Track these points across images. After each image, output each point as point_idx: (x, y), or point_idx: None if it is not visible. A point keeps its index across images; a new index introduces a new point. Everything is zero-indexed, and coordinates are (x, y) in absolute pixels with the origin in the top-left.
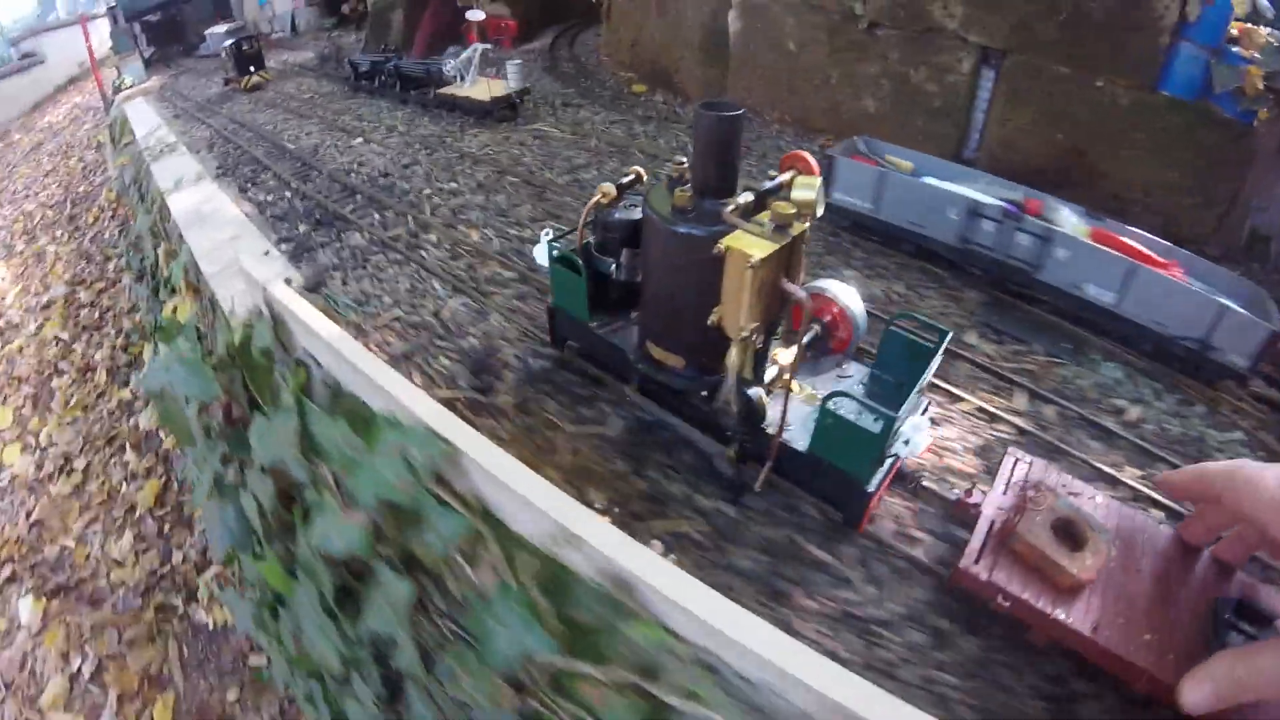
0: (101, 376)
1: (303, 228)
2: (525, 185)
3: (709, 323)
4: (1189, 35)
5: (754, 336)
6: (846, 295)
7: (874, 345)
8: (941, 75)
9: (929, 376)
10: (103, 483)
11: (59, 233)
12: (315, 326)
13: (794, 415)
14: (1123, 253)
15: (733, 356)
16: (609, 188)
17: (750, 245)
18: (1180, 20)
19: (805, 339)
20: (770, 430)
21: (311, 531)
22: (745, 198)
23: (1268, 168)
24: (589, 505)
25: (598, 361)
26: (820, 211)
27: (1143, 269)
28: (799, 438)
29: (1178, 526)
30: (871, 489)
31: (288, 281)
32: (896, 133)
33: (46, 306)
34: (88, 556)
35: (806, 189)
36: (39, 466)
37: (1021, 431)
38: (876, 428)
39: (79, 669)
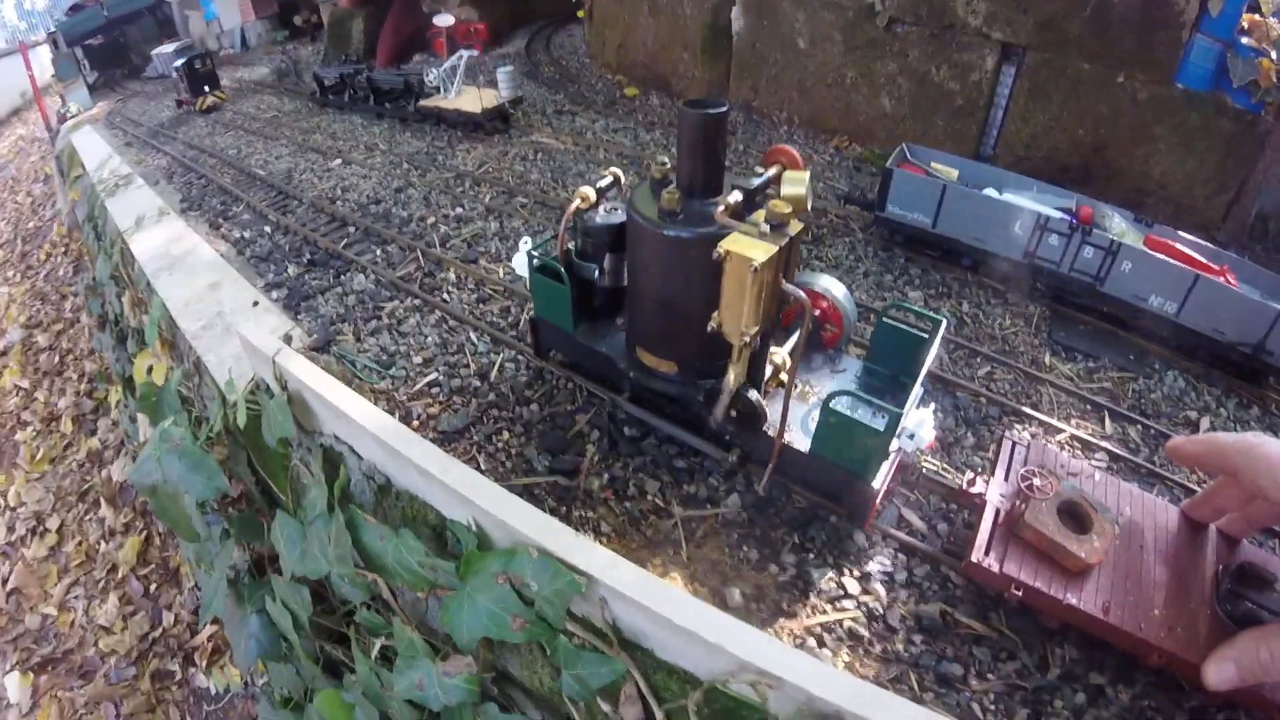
0: (67, 426)
1: (293, 269)
2: (539, 207)
3: (709, 328)
4: (1205, 29)
5: (755, 340)
6: (834, 288)
7: (865, 337)
8: (964, 73)
9: (928, 365)
10: (80, 542)
11: (11, 273)
12: (348, 409)
13: (793, 415)
14: (1179, 260)
15: (734, 363)
16: (588, 192)
17: (749, 248)
18: (1200, 14)
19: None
20: (770, 432)
21: (398, 680)
22: (734, 197)
23: (1276, 155)
24: (727, 607)
25: (584, 371)
26: (810, 205)
27: (1204, 279)
28: (800, 438)
29: (1183, 505)
30: (877, 485)
31: (288, 340)
32: (915, 132)
33: (3, 353)
34: (73, 624)
35: (796, 184)
36: (10, 529)
37: (1114, 457)
38: (881, 425)
39: None
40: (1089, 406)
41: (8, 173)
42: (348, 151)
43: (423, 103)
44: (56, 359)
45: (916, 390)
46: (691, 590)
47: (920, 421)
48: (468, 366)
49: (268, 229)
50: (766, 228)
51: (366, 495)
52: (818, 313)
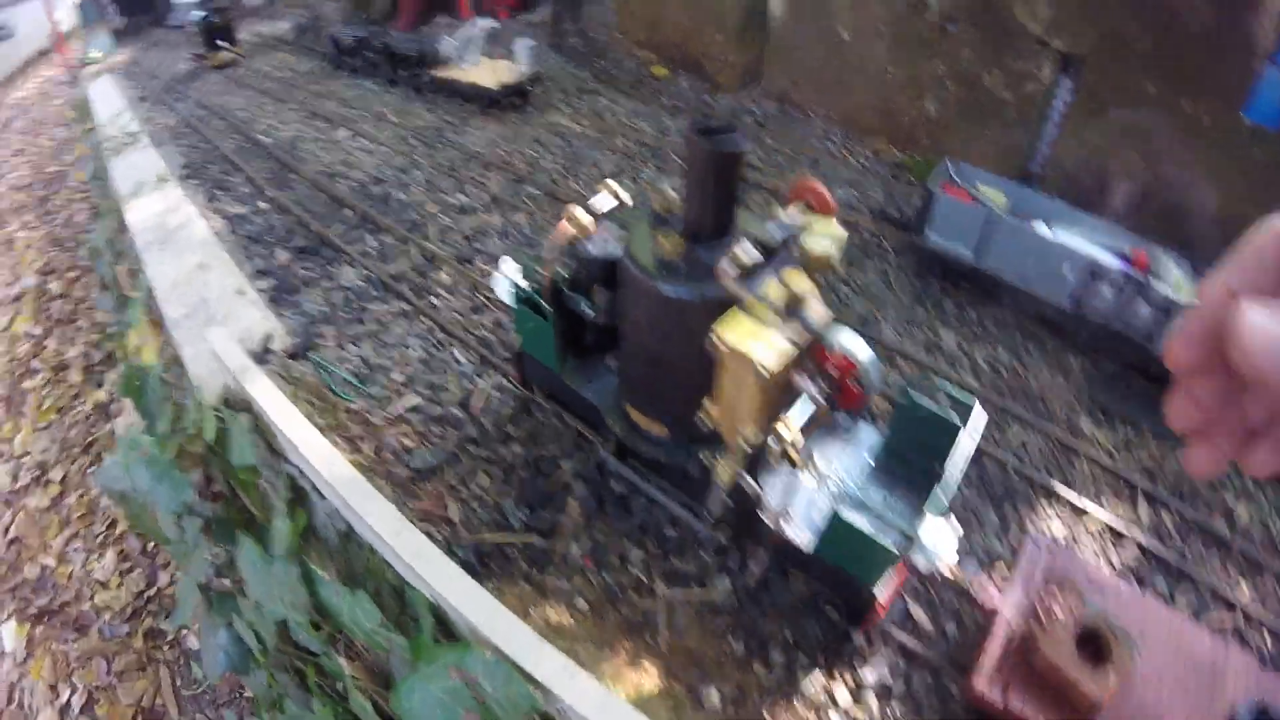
0: (76, 376)
1: (283, 255)
2: (549, 201)
3: (697, 418)
4: (1278, 59)
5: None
6: (860, 351)
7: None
8: (1018, 82)
9: (961, 468)
10: (82, 495)
11: (29, 218)
12: (308, 452)
13: (797, 500)
14: None
15: (728, 458)
16: (582, 216)
17: (757, 343)
18: (1276, 44)
19: (809, 412)
20: (768, 519)
21: None
22: (746, 251)
23: None
24: (703, 709)
25: (570, 409)
26: (837, 261)
27: None
28: (801, 530)
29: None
30: (880, 594)
31: (267, 344)
32: (959, 141)
33: (17, 299)
34: (70, 576)
35: (825, 239)
36: (14, 477)
37: (1144, 551)
38: (892, 544)
39: (68, 701)
40: (1124, 485)
41: (32, 115)
42: (357, 121)
43: (437, 73)
44: (70, 308)
45: (940, 495)
46: (666, 688)
47: (939, 536)
48: (449, 390)
49: (263, 205)
50: (782, 307)
51: (331, 535)
52: (834, 372)
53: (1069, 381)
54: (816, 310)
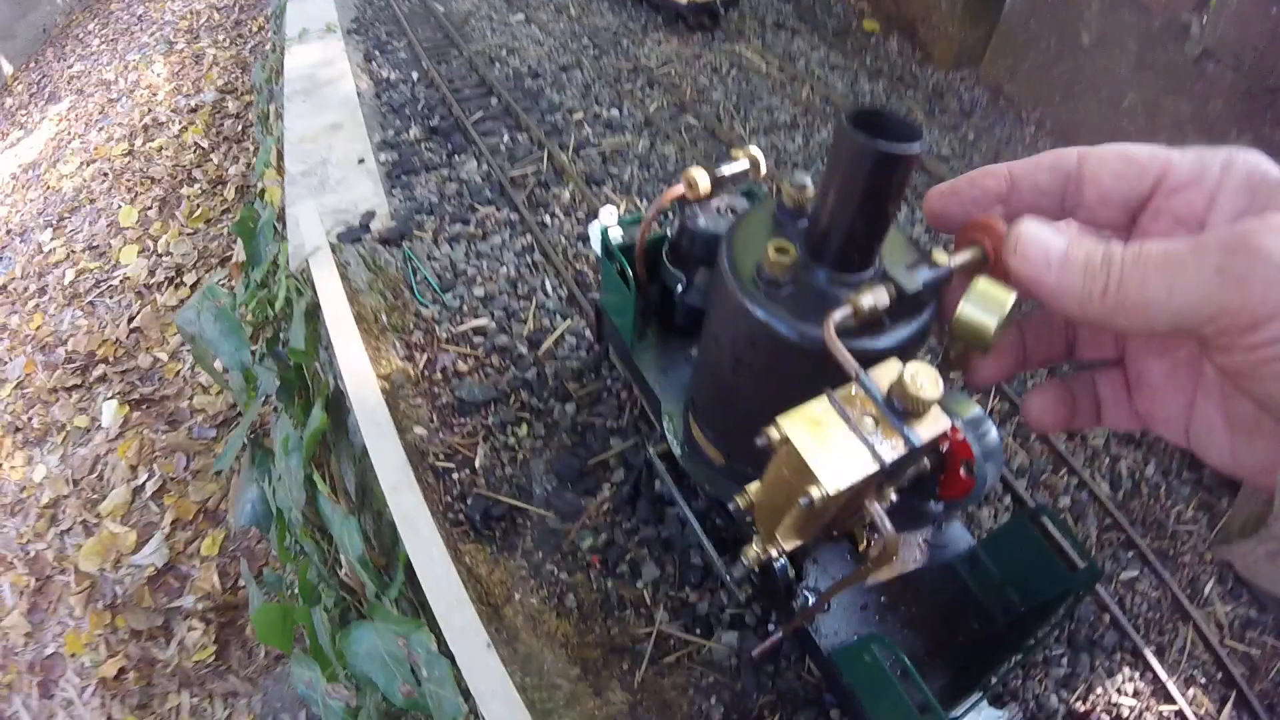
0: (230, 193)
1: (414, 131)
2: (706, 136)
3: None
4: None
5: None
6: (985, 429)
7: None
8: (1275, 153)
9: (1047, 633)
10: None
11: (221, 37)
12: (346, 366)
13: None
14: None
15: (752, 550)
16: (699, 177)
17: (824, 446)
18: None
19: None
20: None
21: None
22: (874, 299)
23: None
24: None
25: (638, 387)
26: (994, 339)
27: None
28: (834, 628)
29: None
30: None
31: (365, 228)
32: None
33: (193, 110)
34: (177, 374)
35: (988, 305)
36: (151, 272)
37: None
38: (915, 708)
39: (143, 484)
40: (1219, 673)
41: None
42: (535, 8)
43: None
44: (240, 128)
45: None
46: None
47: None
48: (524, 322)
49: (415, 75)
50: (882, 406)
51: (357, 446)
52: (944, 446)
53: (1209, 526)
54: (931, 421)
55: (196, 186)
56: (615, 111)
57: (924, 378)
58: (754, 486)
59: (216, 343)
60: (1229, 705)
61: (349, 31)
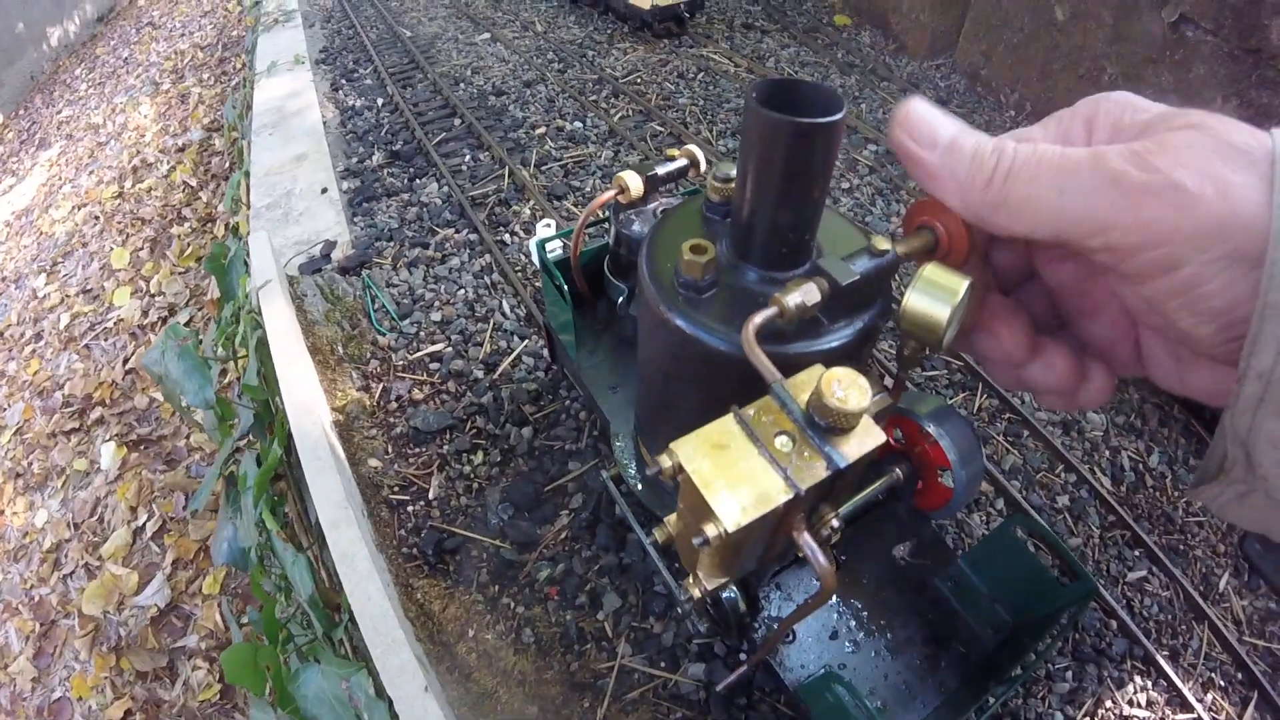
0: (220, 229)
1: (377, 157)
2: (672, 142)
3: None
4: None
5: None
6: (957, 433)
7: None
8: (1258, 119)
9: (1046, 653)
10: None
11: (205, 75)
12: (290, 400)
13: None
14: None
15: (696, 569)
16: (631, 180)
17: (726, 476)
18: None
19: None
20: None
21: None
22: (803, 296)
23: None
24: None
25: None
26: (949, 339)
27: None
28: (801, 660)
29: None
30: None
31: (326, 257)
32: None
33: (181, 149)
34: (173, 413)
35: (937, 294)
36: (144, 313)
37: None
38: None
39: (144, 525)
40: (1238, 672)
41: None
42: (501, 26)
43: None
44: (228, 164)
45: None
46: None
47: None
48: (481, 345)
49: (380, 102)
50: (800, 421)
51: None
52: (916, 450)
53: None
54: (861, 442)
55: (186, 225)
56: (579, 124)
57: (847, 386)
58: (672, 518)
59: (180, 382)
60: (1251, 707)
61: (317, 62)
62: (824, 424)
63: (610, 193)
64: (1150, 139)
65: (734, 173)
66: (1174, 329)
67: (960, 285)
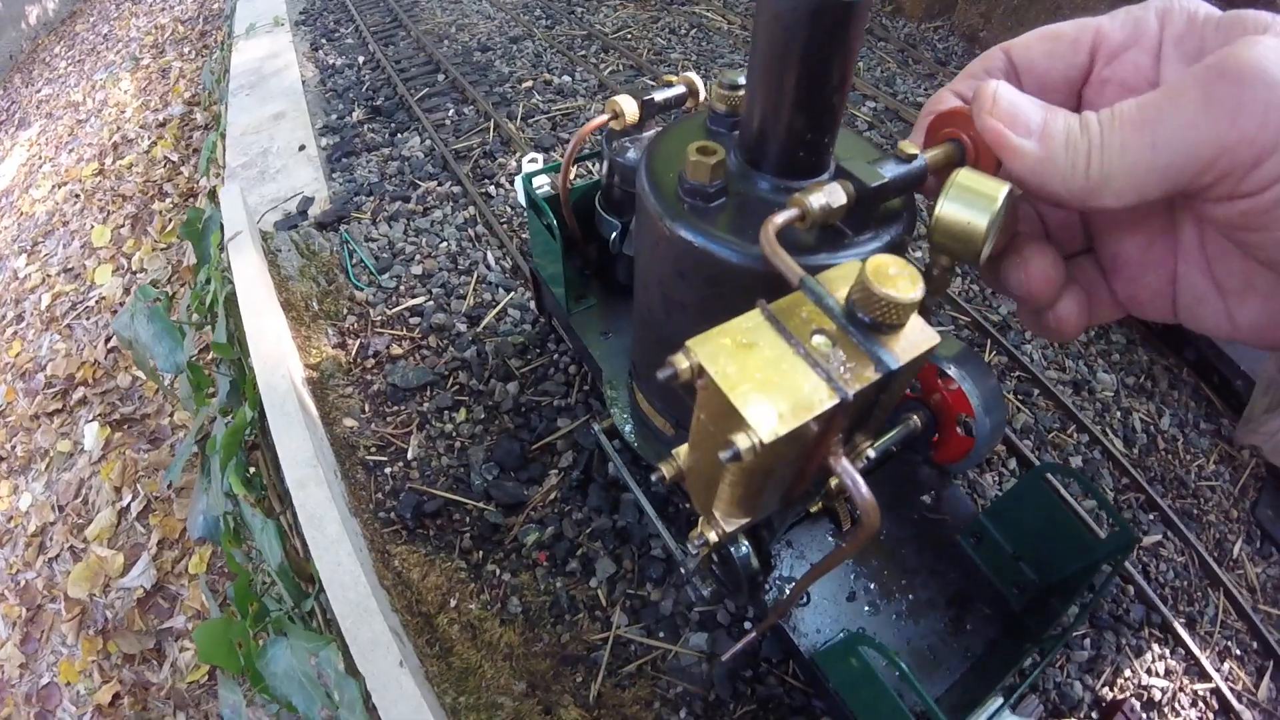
0: (203, 203)
1: (357, 113)
2: None
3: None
4: None
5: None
6: (979, 380)
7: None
8: None
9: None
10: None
11: (186, 49)
12: (259, 356)
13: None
14: None
15: (699, 533)
16: (625, 104)
17: (757, 381)
18: None
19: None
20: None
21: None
22: (828, 196)
23: None
24: None
25: (582, 358)
26: (987, 253)
27: None
28: (816, 625)
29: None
30: None
31: (303, 213)
32: None
33: (162, 125)
34: (156, 391)
35: (972, 200)
36: (126, 290)
37: None
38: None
39: (128, 505)
40: (1253, 640)
41: None
42: None
43: None
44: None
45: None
46: None
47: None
48: (464, 298)
49: (361, 60)
50: (839, 317)
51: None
52: (935, 398)
53: (1234, 479)
54: (912, 341)
55: (168, 200)
56: (567, 79)
57: (897, 273)
58: (682, 450)
59: (151, 346)
60: (1267, 677)
61: (297, 23)
62: (869, 320)
63: (602, 117)
64: (1224, 48)
65: (741, 79)
66: (1274, 240)
67: (999, 191)
